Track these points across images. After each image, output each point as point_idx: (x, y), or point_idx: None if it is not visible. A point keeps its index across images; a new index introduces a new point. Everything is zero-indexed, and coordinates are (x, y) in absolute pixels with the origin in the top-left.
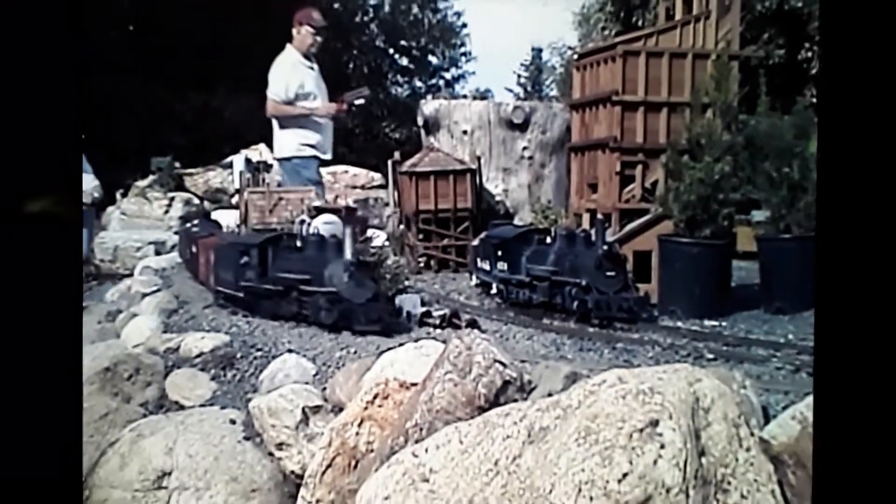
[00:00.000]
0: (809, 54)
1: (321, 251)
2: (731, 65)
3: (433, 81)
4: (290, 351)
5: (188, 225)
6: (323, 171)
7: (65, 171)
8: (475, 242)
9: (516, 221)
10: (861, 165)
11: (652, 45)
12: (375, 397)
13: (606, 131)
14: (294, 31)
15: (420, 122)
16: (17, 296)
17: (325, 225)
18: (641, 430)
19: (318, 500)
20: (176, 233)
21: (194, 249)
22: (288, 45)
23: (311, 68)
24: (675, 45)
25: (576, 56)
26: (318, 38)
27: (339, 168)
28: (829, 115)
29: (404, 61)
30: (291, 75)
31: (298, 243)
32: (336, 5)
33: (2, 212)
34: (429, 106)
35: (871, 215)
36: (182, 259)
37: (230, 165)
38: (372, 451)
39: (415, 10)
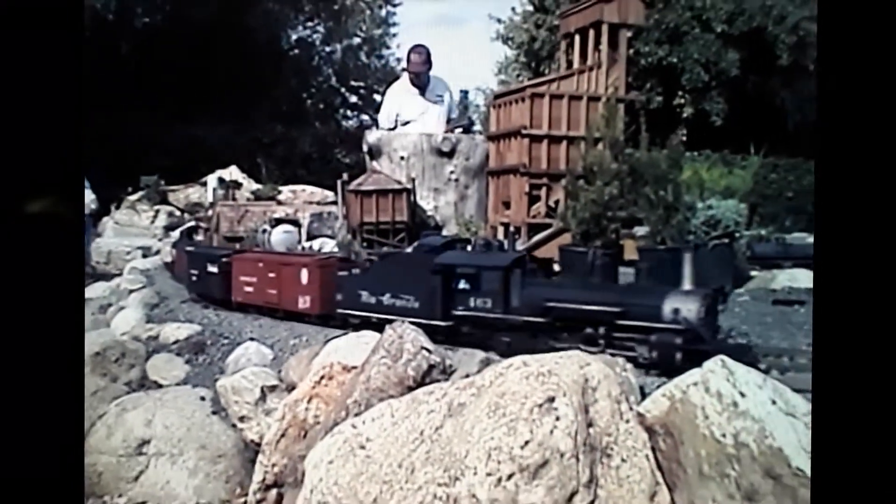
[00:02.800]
0: (682, 101)
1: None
2: (618, 106)
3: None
4: (251, 339)
5: (189, 245)
6: (285, 189)
7: (67, 174)
8: (409, 249)
9: (444, 233)
10: (858, 168)
11: (554, 89)
12: (322, 378)
13: (517, 159)
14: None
15: (365, 149)
16: (20, 293)
17: (283, 234)
18: (541, 406)
19: (273, 465)
20: (190, 250)
21: (215, 268)
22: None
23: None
24: (573, 90)
25: (493, 97)
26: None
27: (299, 187)
28: (829, 116)
29: (353, 98)
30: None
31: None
32: (295, 51)
33: (8, 213)
34: (372, 135)
35: (870, 216)
36: (183, 275)
37: (206, 183)
38: (319, 423)
39: (362, 56)
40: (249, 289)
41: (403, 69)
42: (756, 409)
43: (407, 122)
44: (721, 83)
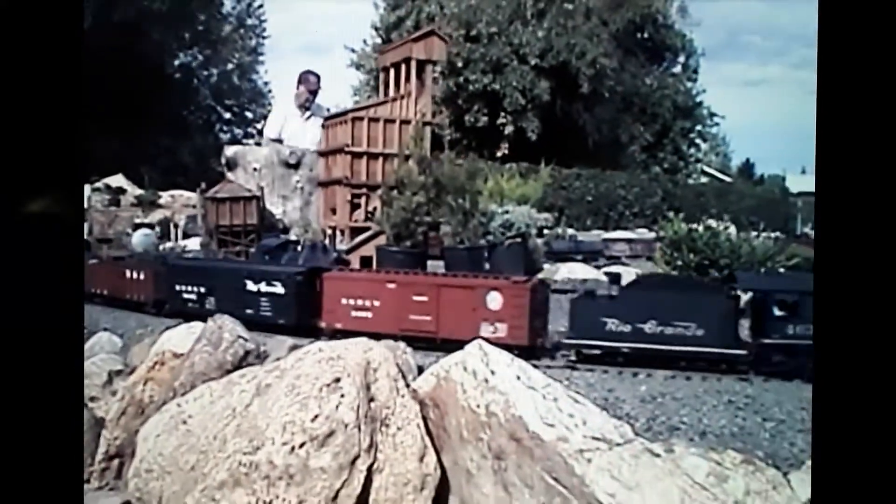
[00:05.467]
0: (504, 121)
1: None
2: (425, 129)
3: (249, 129)
4: (105, 329)
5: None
6: (164, 194)
7: (67, 172)
8: (253, 249)
9: (291, 235)
10: (858, 170)
11: (372, 114)
12: (156, 364)
13: (341, 172)
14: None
15: (223, 161)
16: (20, 292)
17: (142, 236)
18: (328, 385)
19: (115, 438)
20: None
21: (279, 288)
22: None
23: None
24: (388, 114)
25: (323, 119)
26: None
27: (177, 192)
28: (828, 119)
29: (227, 115)
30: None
31: None
32: (178, 75)
33: (7, 211)
34: (230, 150)
35: (868, 217)
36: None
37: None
38: (153, 402)
39: (235, 79)
40: (363, 314)
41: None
42: (503, 384)
43: (281, 139)
44: (535, 106)
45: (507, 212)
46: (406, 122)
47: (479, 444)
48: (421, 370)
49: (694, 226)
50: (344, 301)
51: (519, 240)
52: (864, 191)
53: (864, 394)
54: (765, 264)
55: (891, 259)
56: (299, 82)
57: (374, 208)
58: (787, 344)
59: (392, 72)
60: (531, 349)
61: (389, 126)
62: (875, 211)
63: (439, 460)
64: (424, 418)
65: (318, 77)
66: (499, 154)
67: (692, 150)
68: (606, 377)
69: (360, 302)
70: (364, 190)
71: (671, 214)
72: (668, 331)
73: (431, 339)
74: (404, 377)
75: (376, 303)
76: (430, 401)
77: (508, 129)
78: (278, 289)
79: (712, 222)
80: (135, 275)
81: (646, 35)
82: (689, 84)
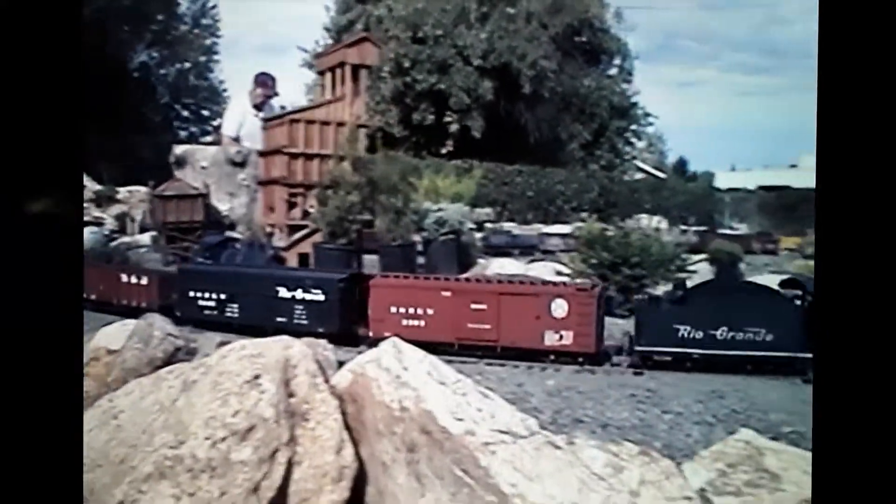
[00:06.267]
0: (450, 119)
1: None
2: (359, 131)
3: (206, 127)
4: None
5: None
6: (122, 189)
7: (67, 172)
8: (196, 246)
9: (235, 232)
10: (857, 170)
11: (309, 116)
12: (91, 360)
13: (279, 172)
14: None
15: (172, 160)
16: (20, 292)
17: (89, 234)
18: (249, 381)
19: None
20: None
21: (320, 295)
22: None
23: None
24: (324, 116)
25: (263, 121)
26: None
27: (135, 188)
28: (828, 119)
29: (185, 113)
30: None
31: None
32: (136, 74)
33: (7, 211)
34: (178, 149)
35: (868, 218)
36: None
37: None
38: (88, 397)
39: (192, 78)
40: (414, 322)
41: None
42: (415, 380)
43: (239, 138)
44: (479, 106)
45: (441, 209)
46: (341, 124)
47: (393, 437)
48: (341, 364)
49: (606, 226)
50: (393, 309)
51: (452, 236)
52: (863, 191)
53: (863, 394)
54: (673, 261)
55: (890, 259)
56: (255, 83)
57: (311, 207)
58: None
59: (329, 76)
60: (595, 355)
61: (325, 128)
62: (875, 211)
63: (357, 453)
64: (343, 413)
65: (273, 79)
66: (444, 151)
67: (628, 148)
68: (516, 372)
69: (411, 310)
70: (301, 189)
71: (585, 215)
72: (741, 336)
73: (491, 349)
74: (324, 373)
75: (430, 311)
76: (348, 396)
77: (454, 128)
78: (318, 296)
79: (644, 218)
80: (134, 279)
81: (583, 38)
82: (624, 85)
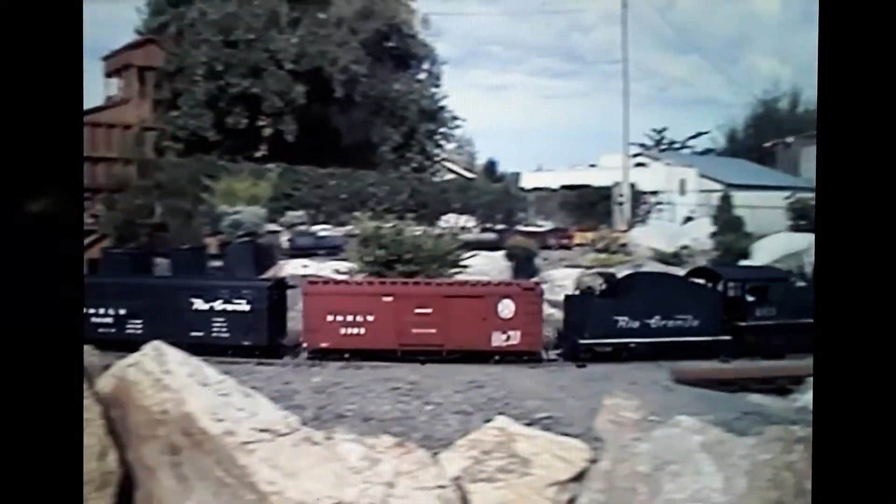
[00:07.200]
0: (264, 123)
1: None
2: (145, 133)
3: None
4: None
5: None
6: None
7: (67, 172)
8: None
9: None
10: (858, 169)
11: (94, 119)
12: None
13: None
14: None
15: None
16: (20, 290)
17: None
18: None
19: None
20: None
21: (244, 305)
22: None
23: None
24: (111, 119)
25: None
26: None
27: None
28: (827, 120)
29: None
30: None
31: None
32: None
33: (7, 211)
34: None
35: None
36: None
37: None
38: None
39: None
40: (354, 330)
41: None
42: (176, 382)
43: None
44: (292, 109)
45: (237, 212)
46: (128, 126)
47: (156, 440)
48: (108, 367)
49: (381, 223)
50: (330, 318)
51: (248, 238)
52: (862, 191)
53: (862, 392)
54: (445, 258)
55: (889, 257)
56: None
57: (98, 211)
58: (757, 325)
59: (115, 78)
60: (538, 354)
61: (111, 131)
62: (875, 211)
63: (123, 458)
64: (109, 418)
65: None
66: (259, 155)
67: (437, 151)
68: (284, 370)
69: (350, 317)
70: (87, 193)
71: (358, 213)
72: (672, 324)
73: (437, 353)
74: (90, 379)
75: (370, 317)
76: (112, 401)
77: (267, 132)
78: (241, 306)
79: (451, 216)
80: None
81: (393, 44)
82: (433, 89)
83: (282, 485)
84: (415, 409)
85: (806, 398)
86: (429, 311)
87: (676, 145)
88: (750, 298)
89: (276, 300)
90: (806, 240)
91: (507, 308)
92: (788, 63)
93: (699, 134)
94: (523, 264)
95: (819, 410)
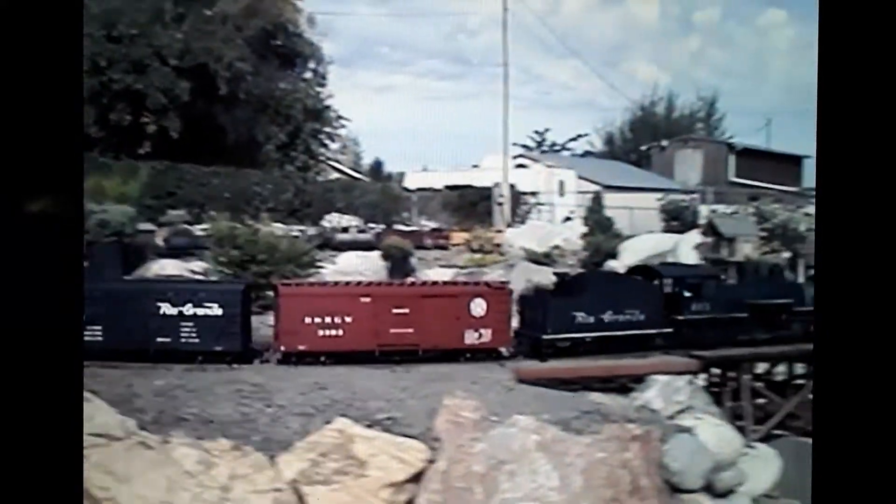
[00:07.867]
0: (147, 120)
1: None
2: None
3: None
4: None
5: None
6: None
7: (67, 172)
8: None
9: None
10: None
11: None
12: None
13: None
14: None
15: None
16: (20, 290)
17: None
18: None
19: None
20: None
21: (217, 309)
22: None
23: None
24: None
25: None
26: None
27: None
28: (827, 120)
29: None
30: None
31: None
32: None
33: (7, 211)
34: None
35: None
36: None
37: None
38: None
39: None
40: (332, 332)
41: None
42: None
43: None
44: (177, 106)
45: (104, 211)
46: None
47: None
48: None
49: (236, 224)
50: (308, 319)
51: (115, 238)
52: (862, 190)
53: (862, 392)
54: (300, 259)
55: (888, 257)
56: None
57: None
58: (694, 319)
59: None
60: (507, 351)
61: None
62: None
63: None
64: None
65: None
66: (142, 152)
67: (322, 150)
68: (127, 373)
69: (328, 319)
70: None
71: (214, 213)
72: (622, 318)
73: (412, 353)
74: None
75: (348, 318)
76: None
77: (151, 128)
78: (213, 310)
79: (335, 216)
80: None
81: (278, 42)
82: (319, 89)
83: (115, 490)
84: (256, 412)
85: (645, 396)
86: (406, 310)
87: (557, 147)
88: (687, 294)
89: (248, 304)
90: (672, 240)
91: (479, 307)
92: (666, 69)
93: (578, 136)
94: (399, 264)
95: (819, 410)
